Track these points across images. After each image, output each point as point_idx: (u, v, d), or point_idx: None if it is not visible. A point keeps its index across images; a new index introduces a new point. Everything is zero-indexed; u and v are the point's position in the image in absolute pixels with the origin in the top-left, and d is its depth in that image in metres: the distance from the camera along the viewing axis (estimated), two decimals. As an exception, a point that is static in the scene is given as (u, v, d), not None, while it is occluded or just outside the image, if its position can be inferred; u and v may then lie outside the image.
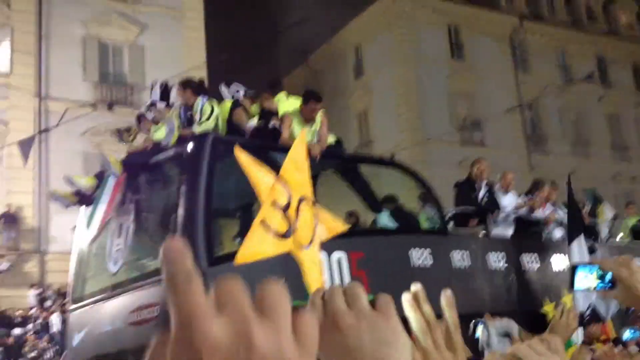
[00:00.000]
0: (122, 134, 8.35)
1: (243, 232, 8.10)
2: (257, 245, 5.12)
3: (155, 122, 8.30)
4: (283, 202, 5.33)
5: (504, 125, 30.05)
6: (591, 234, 10.79)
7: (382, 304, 0.85)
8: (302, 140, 5.95)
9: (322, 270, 5.74)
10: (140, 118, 8.78)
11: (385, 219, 8.58)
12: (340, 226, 6.06)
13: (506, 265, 8.62)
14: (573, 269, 1.81)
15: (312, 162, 7.90)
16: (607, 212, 12.05)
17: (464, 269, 8.09)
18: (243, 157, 5.26)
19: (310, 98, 7.95)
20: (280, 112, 8.01)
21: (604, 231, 11.74)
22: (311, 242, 5.53)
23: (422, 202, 9.20)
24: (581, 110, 35.20)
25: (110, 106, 18.47)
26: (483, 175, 9.62)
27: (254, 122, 7.82)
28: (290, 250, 5.35)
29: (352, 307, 0.84)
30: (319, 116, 8.03)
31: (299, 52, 34.92)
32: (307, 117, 7.89)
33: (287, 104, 8.25)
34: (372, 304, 0.85)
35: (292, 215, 5.42)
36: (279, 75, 26.59)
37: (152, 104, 8.59)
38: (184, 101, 7.89)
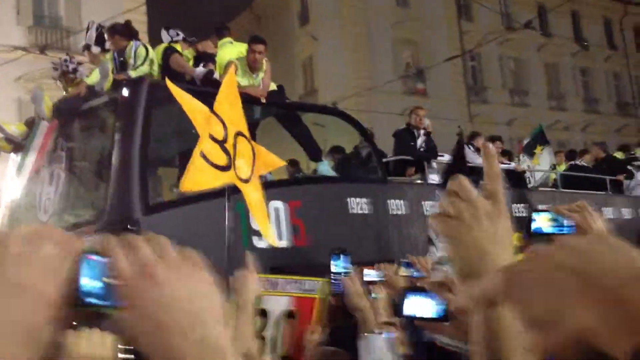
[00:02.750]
0: (66, 80, 7.98)
1: (181, 181, 8.01)
2: (200, 175, 4.96)
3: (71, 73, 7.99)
4: (220, 135, 5.18)
5: (446, 74, 30.29)
6: (519, 179, 11.06)
7: (192, 255, 0.82)
8: (232, 75, 5.81)
9: (265, 203, 5.67)
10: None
11: (325, 168, 8.59)
12: (277, 161, 6.00)
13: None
14: (530, 215, 1.74)
15: (253, 108, 7.84)
16: (544, 158, 12.20)
17: (401, 216, 8.20)
18: (175, 89, 5.07)
19: (256, 43, 7.83)
20: (226, 58, 7.89)
21: (536, 176, 12.01)
22: (251, 176, 5.46)
23: (360, 150, 9.26)
24: (520, 60, 35.69)
25: (42, 50, 17.72)
26: (421, 123, 9.70)
27: (201, 69, 7.65)
28: (232, 182, 5.24)
29: (162, 257, 0.79)
30: (264, 63, 7.95)
31: (242, -3, 34.21)
32: (252, 64, 7.80)
33: (232, 50, 8.11)
34: (180, 254, 0.80)
35: (230, 149, 5.28)
36: (222, 19, 25.99)
37: (87, 47, 8.29)
38: (116, 47, 7.64)
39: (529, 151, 12.08)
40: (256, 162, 5.47)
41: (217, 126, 5.15)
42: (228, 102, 5.36)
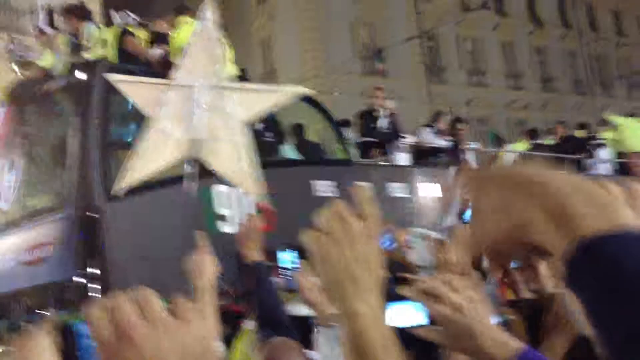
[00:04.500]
0: (19, 63, 7.76)
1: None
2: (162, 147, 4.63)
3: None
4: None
5: (405, 55, 30.37)
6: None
7: (181, 309, 0.79)
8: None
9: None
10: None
11: (288, 151, 8.53)
12: None
13: (407, 193, 8.81)
14: None
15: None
16: (508, 157, 12.47)
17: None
18: (116, 79, 4.72)
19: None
20: (183, 40, 7.74)
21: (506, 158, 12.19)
22: None
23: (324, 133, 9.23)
24: (477, 40, 35.99)
25: (-7, 32, 17.21)
26: (382, 104, 9.72)
27: (156, 50, 7.48)
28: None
29: (146, 316, 0.76)
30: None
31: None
32: None
33: (189, 30, 7.95)
34: (171, 310, 0.78)
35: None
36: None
37: (40, 31, 8.06)
38: (70, 28, 7.43)
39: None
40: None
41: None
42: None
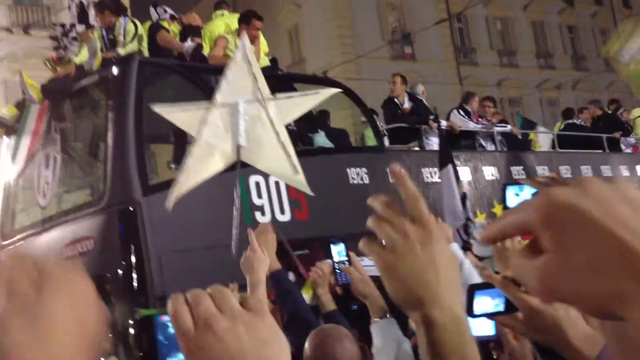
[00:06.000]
0: (55, 61, 7.89)
1: (178, 157, 7.93)
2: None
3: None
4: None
5: (434, 38, 30.06)
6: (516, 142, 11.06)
7: (254, 303, 0.83)
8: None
9: None
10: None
11: (321, 139, 8.53)
12: None
13: (439, 178, 8.76)
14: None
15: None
16: (542, 139, 12.29)
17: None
18: (162, 110, 4.97)
19: (257, 19, 7.68)
20: (215, 32, 7.79)
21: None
22: None
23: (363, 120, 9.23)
24: (507, 20, 35.48)
25: (26, 29, 17.46)
26: (400, 89, 9.65)
27: (189, 43, 7.54)
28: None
29: (223, 310, 0.80)
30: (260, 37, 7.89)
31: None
32: (252, 40, 7.72)
33: (221, 22, 8.00)
34: (242, 304, 0.82)
35: None
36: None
37: (72, 26, 8.15)
38: (104, 23, 7.49)
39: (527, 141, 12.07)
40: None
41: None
42: None
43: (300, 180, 5.15)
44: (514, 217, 0.66)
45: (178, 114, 4.80)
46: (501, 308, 1.40)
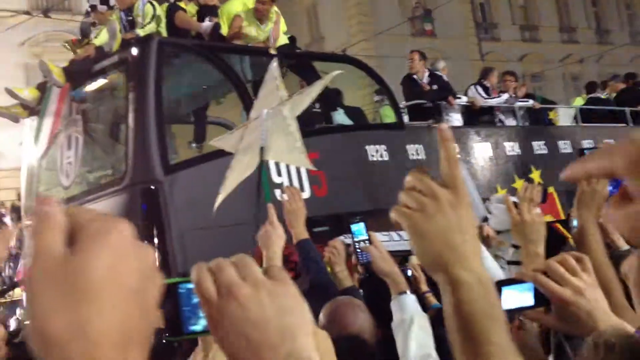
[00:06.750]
0: (74, 43, 7.95)
1: (199, 137, 7.97)
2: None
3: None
4: None
5: (454, 14, 29.71)
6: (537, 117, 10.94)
7: (277, 272, 0.83)
8: None
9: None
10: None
11: (341, 117, 8.51)
12: None
13: (461, 153, 8.72)
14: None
15: (264, 60, 7.76)
16: (562, 115, 12.12)
17: (420, 161, 8.15)
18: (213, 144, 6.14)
19: None
20: (232, 11, 7.79)
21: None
22: None
23: (380, 97, 9.17)
24: (529, -6, 34.97)
25: (46, 12, 17.54)
26: (419, 66, 9.57)
27: (207, 23, 7.55)
28: None
29: (246, 278, 0.80)
30: (273, 13, 7.85)
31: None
32: (258, 14, 7.70)
33: (241, 2, 7.99)
34: (265, 273, 0.82)
35: None
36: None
37: (93, 7, 8.16)
38: (122, 5, 7.51)
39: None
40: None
41: None
42: None
43: (305, 161, 5.83)
44: (601, 161, 0.65)
45: (224, 141, 5.51)
46: (530, 302, 1.40)
